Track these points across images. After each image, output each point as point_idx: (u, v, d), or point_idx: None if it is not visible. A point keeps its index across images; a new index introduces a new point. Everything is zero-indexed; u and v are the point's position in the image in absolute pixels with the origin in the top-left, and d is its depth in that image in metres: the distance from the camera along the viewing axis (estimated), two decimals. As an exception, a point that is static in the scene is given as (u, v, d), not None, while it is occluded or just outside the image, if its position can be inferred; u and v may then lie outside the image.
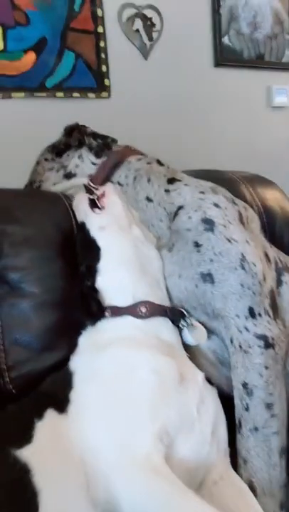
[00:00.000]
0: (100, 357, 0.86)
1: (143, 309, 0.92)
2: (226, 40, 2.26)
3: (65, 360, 0.95)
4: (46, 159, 1.28)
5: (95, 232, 1.00)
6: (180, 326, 0.96)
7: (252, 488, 0.87)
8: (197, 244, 0.98)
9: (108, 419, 0.77)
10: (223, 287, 0.95)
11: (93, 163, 1.20)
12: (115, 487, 0.70)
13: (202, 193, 1.06)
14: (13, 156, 1.61)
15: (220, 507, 0.75)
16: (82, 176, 1.21)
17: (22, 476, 0.72)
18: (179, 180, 1.11)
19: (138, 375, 0.81)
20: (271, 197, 1.41)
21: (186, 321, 0.96)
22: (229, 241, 0.98)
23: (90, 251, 0.99)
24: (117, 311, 0.94)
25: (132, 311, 0.93)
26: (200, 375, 0.88)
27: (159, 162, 1.18)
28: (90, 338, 0.93)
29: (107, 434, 0.75)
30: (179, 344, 0.95)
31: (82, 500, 0.73)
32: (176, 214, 1.04)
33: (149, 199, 1.10)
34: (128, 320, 0.92)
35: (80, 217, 1.07)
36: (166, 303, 0.98)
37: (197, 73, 2.20)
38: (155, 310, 0.93)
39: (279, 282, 1.04)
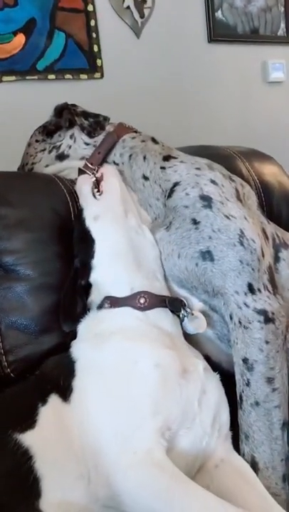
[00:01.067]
0: (102, 348, 0.85)
1: (142, 300, 0.91)
2: (219, 14, 2.21)
3: (63, 344, 0.95)
4: (37, 141, 1.26)
5: (89, 222, 0.99)
6: (180, 315, 0.95)
7: (254, 462, 0.87)
8: (195, 222, 0.97)
9: (110, 413, 0.77)
10: (222, 264, 0.95)
11: (86, 143, 1.18)
12: (116, 482, 0.70)
13: (198, 169, 1.05)
14: (5, 141, 1.59)
15: (221, 490, 0.78)
16: (75, 156, 1.19)
17: (24, 461, 0.73)
18: (175, 158, 1.09)
19: (140, 368, 0.81)
20: (268, 172, 1.38)
21: (186, 310, 0.96)
22: (228, 217, 0.97)
23: (85, 244, 0.98)
24: (116, 302, 0.93)
25: (130, 302, 0.92)
26: (201, 365, 0.88)
27: (153, 140, 1.16)
28: (90, 327, 0.92)
29: (108, 429, 0.75)
30: (179, 334, 0.95)
31: (82, 491, 0.73)
32: (172, 190, 1.03)
33: (145, 177, 1.08)
34: (127, 310, 0.91)
35: (81, 201, 1.06)
36: (165, 292, 0.97)
37: (191, 50, 2.16)
38: (154, 301, 0.92)
39: (276, 259, 1.04)
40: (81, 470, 0.74)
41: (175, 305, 0.95)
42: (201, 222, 0.97)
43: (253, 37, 2.31)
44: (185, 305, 0.96)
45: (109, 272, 0.96)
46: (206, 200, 0.98)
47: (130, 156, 1.12)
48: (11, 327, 1.00)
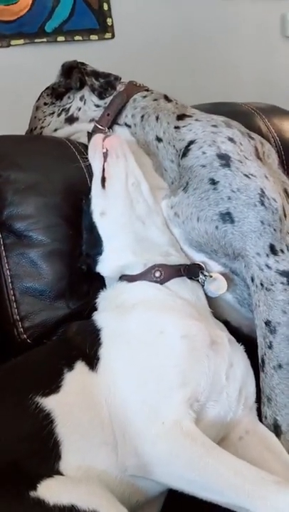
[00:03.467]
0: (126, 318, 0.84)
1: (157, 274, 0.89)
2: None
3: (79, 311, 0.94)
4: (46, 103, 1.22)
5: (96, 217, 0.94)
6: (199, 280, 0.93)
7: (276, 425, 0.86)
8: (213, 182, 0.93)
9: (137, 383, 0.76)
10: (242, 226, 0.92)
11: (96, 105, 1.13)
12: (145, 453, 0.70)
13: (215, 126, 1.00)
14: (15, 106, 1.56)
15: (246, 461, 0.75)
16: (85, 119, 1.15)
17: (46, 425, 0.72)
18: (190, 116, 1.04)
19: (166, 339, 0.79)
20: (289, 128, 1.32)
21: (204, 274, 0.93)
22: (247, 176, 0.93)
23: (92, 237, 0.94)
24: (132, 279, 0.90)
25: (146, 276, 0.90)
26: (226, 337, 0.86)
27: (166, 98, 1.10)
28: (110, 299, 0.91)
29: (136, 399, 0.74)
30: (203, 303, 0.92)
31: (104, 457, 0.73)
32: (187, 149, 0.98)
33: (158, 139, 1.03)
34: (145, 284, 0.89)
35: (92, 187, 0.98)
36: (183, 262, 0.95)
37: (205, 4, 2.06)
38: (170, 271, 0.90)
39: None
40: (106, 437, 0.74)
41: (192, 271, 0.92)
42: (220, 182, 0.93)
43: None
44: (203, 269, 0.94)
45: (119, 262, 0.92)
46: (224, 159, 0.94)
47: (142, 116, 1.07)
48: (25, 293, 0.99)
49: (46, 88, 1.23)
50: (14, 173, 1.03)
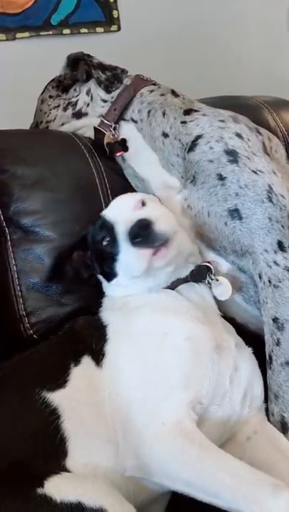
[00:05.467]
0: (133, 318, 0.84)
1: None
2: None
3: (85, 307, 0.93)
4: (51, 96, 1.21)
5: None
6: (207, 283, 0.92)
7: (284, 422, 0.85)
8: (221, 177, 0.93)
9: (140, 383, 0.76)
10: (250, 222, 0.91)
11: (104, 100, 1.12)
12: (144, 452, 0.70)
13: (222, 121, 0.99)
14: (21, 100, 1.54)
15: (254, 462, 0.75)
16: (93, 114, 1.14)
17: (52, 420, 0.72)
18: (197, 111, 1.03)
19: (170, 341, 0.79)
20: (297, 122, 1.31)
21: (210, 277, 0.92)
22: (255, 173, 0.93)
23: (105, 267, 0.90)
24: None
25: None
26: (233, 341, 0.85)
27: (173, 92, 1.09)
28: (115, 299, 0.90)
29: (138, 398, 0.74)
30: (209, 303, 0.91)
31: (110, 455, 0.73)
32: (194, 144, 0.97)
33: (165, 134, 1.03)
34: None
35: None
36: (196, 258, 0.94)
37: (212, -2, 2.04)
38: (176, 282, 0.89)
39: None
40: (110, 435, 0.74)
41: (199, 274, 0.91)
42: (228, 177, 0.93)
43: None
44: (210, 270, 0.92)
45: (127, 291, 0.89)
46: (232, 155, 0.94)
47: (149, 112, 1.06)
48: (32, 289, 0.99)
49: (51, 80, 1.22)
50: (21, 169, 1.02)
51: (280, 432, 0.85)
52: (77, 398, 0.76)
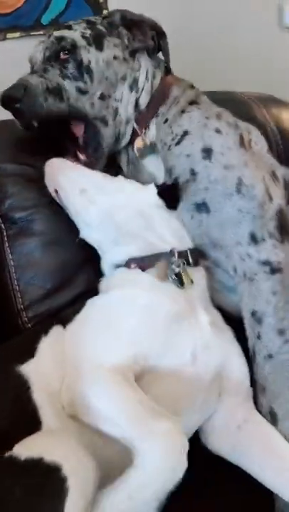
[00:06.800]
0: (106, 294, 0.88)
1: (133, 265, 0.89)
2: None
3: (82, 297, 0.94)
4: (116, 57, 1.02)
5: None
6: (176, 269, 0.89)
7: (273, 413, 0.86)
8: (193, 172, 0.94)
9: (94, 334, 0.79)
10: (220, 216, 0.92)
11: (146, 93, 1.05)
12: (78, 387, 0.73)
13: (207, 118, 1.00)
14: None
15: (247, 452, 0.79)
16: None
17: (24, 391, 0.75)
18: (197, 103, 1.04)
19: (130, 305, 0.82)
20: (286, 118, 1.33)
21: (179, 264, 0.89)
22: (226, 168, 0.94)
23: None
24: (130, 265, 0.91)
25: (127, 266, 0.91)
26: (205, 318, 0.85)
27: (192, 87, 1.10)
28: (101, 286, 0.94)
29: (88, 345, 0.78)
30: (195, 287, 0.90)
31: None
32: (182, 138, 0.99)
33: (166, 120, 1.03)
34: (126, 270, 0.90)
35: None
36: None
37: (201, -3, 2.06)
38: (144, 265, 0.89)
39: None
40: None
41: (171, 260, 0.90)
42: (199, 173, 0.94)
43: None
44: (172, 252, 0.90)
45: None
46: (207, 152, 0.95)
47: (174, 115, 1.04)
48: (28, 283, 1.00)
49: (102, 31, 1.02)
50: (12, 165, 1.04)
51: (268, 423, 0.84)
52: (44, 365, 0.78)
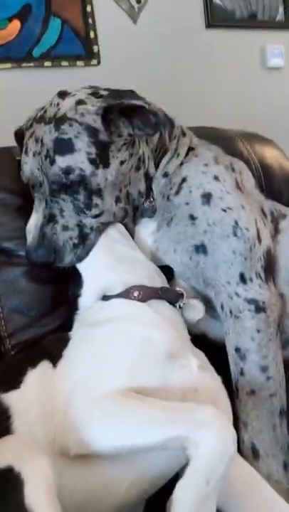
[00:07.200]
0: (97, 328, 0.85)
1: (135, 293, 0.89)
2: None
3: (64, 326, 0.94)
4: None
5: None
6: (178, 306, 0.93)
7: (254, 449, 0.87)
8: (192, 217, 0.97)
9: (86, 367, 0.77)
10: (216, 256, 0.95)
11: None
12: (80, 422, 0.70)
13: (206, 165, 1.02)
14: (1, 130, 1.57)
15: (228, 499, 0.76)
16: None
17: (3, 420, 0.73)
18: (193, 149, 1.06)
19: (125, 337, 0.80)
20: (269, 155, 1.38)
21: (182, 302, 0.93)
22: (224, 210, 0.97)
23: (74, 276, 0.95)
24: (111, 298, 0.90)
25: (125, 295, 0.89)
26: (195, 363, 0.83)
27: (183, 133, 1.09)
28: (86, 317, 0.91)
29: (81, 379, 0.76)
30: (182, 326, 0.93)
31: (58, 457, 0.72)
32: (180, 187, 1.00)
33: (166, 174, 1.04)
34: (123, 301, 0.89)
35: None
36: (164, 285, 0.95)
37: (188, 35, 2.14)
38: (149, 293, 0.90)
39: (276, 230, 1.04)
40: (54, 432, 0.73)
41: (170, 295, 0.93)
42: (198, 217, 0.96)
43: (251, 22, 2.28)
44: (182, 294, 0.94)
45: (98, 282, 0.92)
46: (206, 197, 0.97)
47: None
48: (13, 311, 1.00)
49: (106, 141, 0.93)
50: (2, 195, 1.05)
51: (248, 463, 0.82)
52: (29, 399, 0.76)
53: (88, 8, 1.92)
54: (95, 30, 1.93)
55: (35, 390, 0.77)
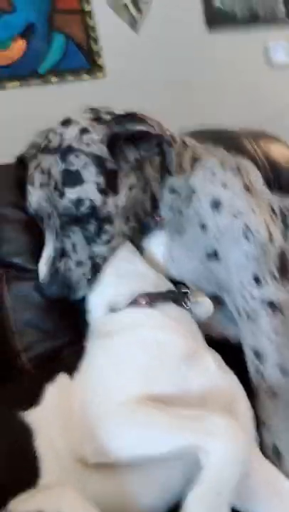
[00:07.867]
0: (110, 338, 0.85)
1: (143, 301, 0.89)
2: (216, 2, 2.19)
3: (79, 337, 0.95)
4: None
5: None
6: (185, 305, 0.92)
7: (276, 450, 0.85)
8: (203, 226, 0.97)
9: (103, 375, 0.78)
10: (228, 261, 0.94)
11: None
12: (100, 431, 0.70)
13: (213, 174, 1.00)
14: (11, 147, 1.60)
15: (253, 495, 0.76)
16: None
17: (24, 439, 0.73)
18: (196, 159, 1.03)
19: (140, 342, 0.81)
20: (276, 151, 1.37)
21: (189, 299, 0.93)
22: (235, 216, 0.96)
23: None
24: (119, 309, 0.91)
25: (133, 304, 0.90)
26: (211, 362, 0.83)
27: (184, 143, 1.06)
28: (98, 329, 0.91)
29: (97, 388, 0.76)
30: (191, 326, 0.92)
31: (79, 468, 0.72)
32: (189, 200, 0.99)
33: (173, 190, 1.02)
34: (133, 309, 0.89)
35: None
36: (166, 286, 0.95)
37: (191, 41, 2.15)
38: (156, 298, 0.90)
39: (286, 226, 1.02)
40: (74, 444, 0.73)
41: (175, 295, 0.93)
42: (209, 225, 0.96)
43: (253, 21, 2.28)
44: (187, 294, 0.94)
45: (104, 300, 0.93)
46: (216, 205, 0.96)
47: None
48: (27, 325, 1.01)
49: (113, 169, 0.92)
50: (11, 211, 1.06)
51: (271, 464, 0.81)
52: (50, 414, 0.76)
53: (90, 23, 1.96)
54: (98, 43, 1.96)
55: (56, 403, 0.78)
